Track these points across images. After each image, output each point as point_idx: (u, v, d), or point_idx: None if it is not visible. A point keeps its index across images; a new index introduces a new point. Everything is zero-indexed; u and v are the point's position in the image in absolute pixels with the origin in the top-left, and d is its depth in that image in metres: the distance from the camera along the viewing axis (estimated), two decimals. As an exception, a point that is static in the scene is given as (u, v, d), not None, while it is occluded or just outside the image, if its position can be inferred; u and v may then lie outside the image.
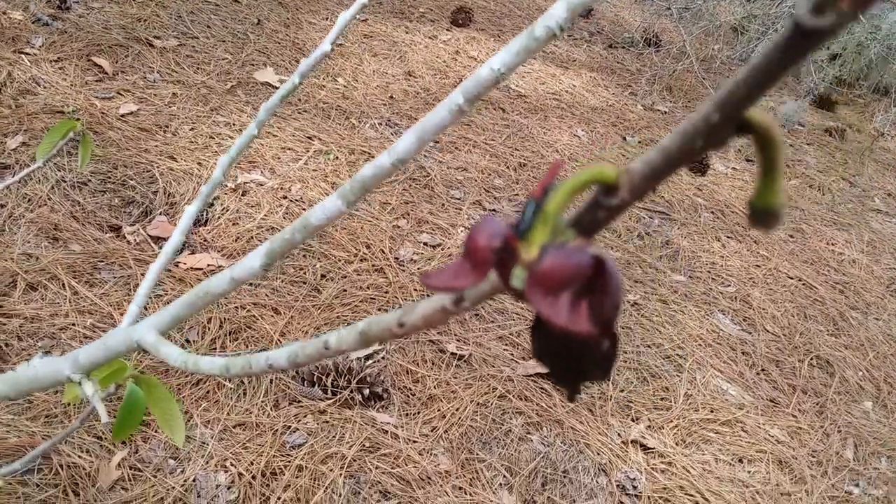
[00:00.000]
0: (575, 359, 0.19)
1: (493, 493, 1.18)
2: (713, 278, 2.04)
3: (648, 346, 1.69)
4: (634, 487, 1.33)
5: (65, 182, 1.58)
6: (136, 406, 0.59)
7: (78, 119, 0.87)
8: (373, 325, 0.27)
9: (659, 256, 2.05)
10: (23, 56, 1.96)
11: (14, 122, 1.71)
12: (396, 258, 1.68)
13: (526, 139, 2.43)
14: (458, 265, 0.19)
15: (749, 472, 1.47)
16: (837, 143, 3.28)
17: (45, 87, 1.87)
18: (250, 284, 1.44)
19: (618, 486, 1.30)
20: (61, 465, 0.98)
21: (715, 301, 1.94)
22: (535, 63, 3.08)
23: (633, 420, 1.48)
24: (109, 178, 1.64)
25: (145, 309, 1.32)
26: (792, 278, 2.14)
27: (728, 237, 2.27)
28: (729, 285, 2.03)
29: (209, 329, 1.30)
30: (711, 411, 1.58)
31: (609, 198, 0.19)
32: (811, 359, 1.82)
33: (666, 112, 3.03)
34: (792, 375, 1.75)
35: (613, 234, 2.07)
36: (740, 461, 1.49)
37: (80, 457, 1.00)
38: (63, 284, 1.30)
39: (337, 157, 1.98)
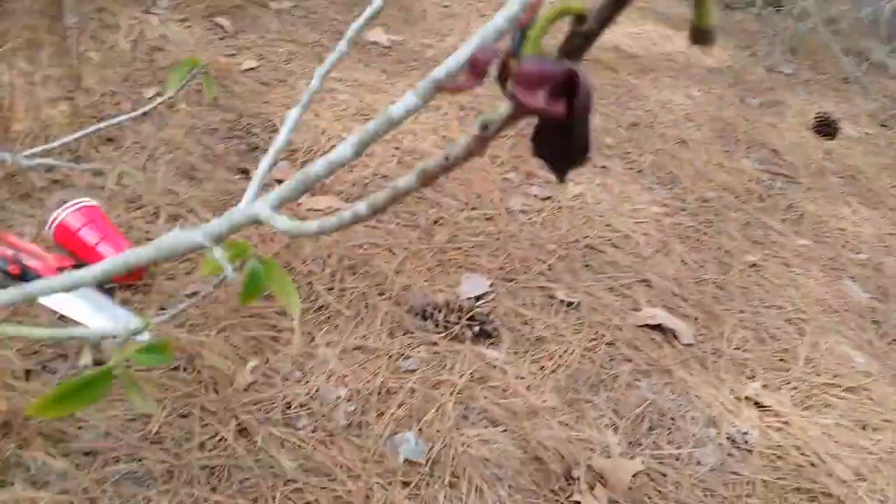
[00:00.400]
0: (561, 146, 0.26)
1: (599, 431, 1.17)
2: (843, 244, 1.91)
3: (768, 308, 1.62)
4: (746, 442, 1.28)
5: (197, 129, 1.68)
6: (258, 278, 0.64)
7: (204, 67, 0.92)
8: (428, 164, 0.32)
9: (782, 219, 1.95)
10: (151, 16, 2.09)
11: (148, 75, 1.84)
12: (507, 208, 1.68)
13: (638, 98, 2.36)
14: (464, 78, 0.25)
15: (873, 439, 1.38)
16: None
17: (174, 44, 2.00)
18: (366, 225, 1.49)
19: (728, 438, 1.26)
20: (203, 366, 1.06)
21: (843, 267, 1.82)
22: (647, 24, 2.98)
23: (748, 378, 1.42)
24: (236, 126, 1.73)
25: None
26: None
27: (860, 203, 2.12)
28: (860, 252, 1.90)
29: (328, 262, 1.36)
30: (835, 376, 1.50)
31: (580, 26, 0.24)
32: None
33: (790, 74, 2.86)
34: None
35: (732, 194, 1.98)
36: (863, 428, 1.40)
37: (220, 361, 1.08)
38: (198, 216, 1.39)
39: (446, 113, 2.00)
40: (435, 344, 1.24)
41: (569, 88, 0.23)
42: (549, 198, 1.77)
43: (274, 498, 0.91)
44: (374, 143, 0.48)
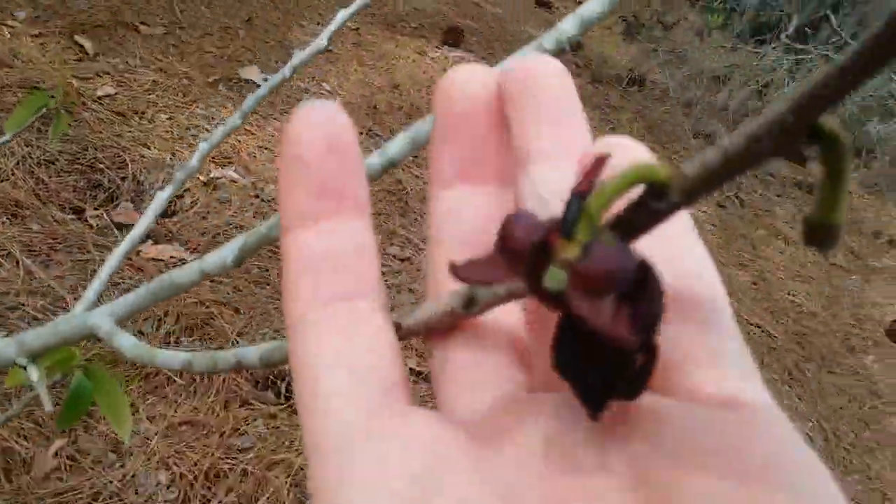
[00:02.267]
0: (603, 374, 0.17)
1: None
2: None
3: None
4: None
5: (31, 158, 1.53)
6: (82, 396, 0.57)
7: (52, 96, 0.84)
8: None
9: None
10: (4, 28, 1.91)
11: (-15, 93, 1.66)
12: (364, 268, 1.66)
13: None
14: (489, 258, 0.18)
15: None
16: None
17: (23, 62, 1.83)
18: (211, 281, 1.41)
19: None
20: (-7, 449, 0.94)
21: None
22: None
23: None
24: (78, 158, 1.60)
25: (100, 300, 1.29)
26: (753, 325, 2.17)
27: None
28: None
29: (165, 322, 1.27)
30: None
31: (657, 201, 0.16)
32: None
33: (644, 151, 3.07)
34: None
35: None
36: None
37: (16, 442, 0.96)
38: (17, 262, 1.25)
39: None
40: (274, 417, 1.18)
41: (634, 290, 0.17)
42: (408, 259, 1.77)
43: None
44: (256, 251, 0.42)
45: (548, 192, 0.21)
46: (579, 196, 0.17)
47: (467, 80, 0.22)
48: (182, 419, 1.10)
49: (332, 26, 0.47)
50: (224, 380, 1.21)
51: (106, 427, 1.03)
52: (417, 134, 0.31)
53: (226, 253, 0.41)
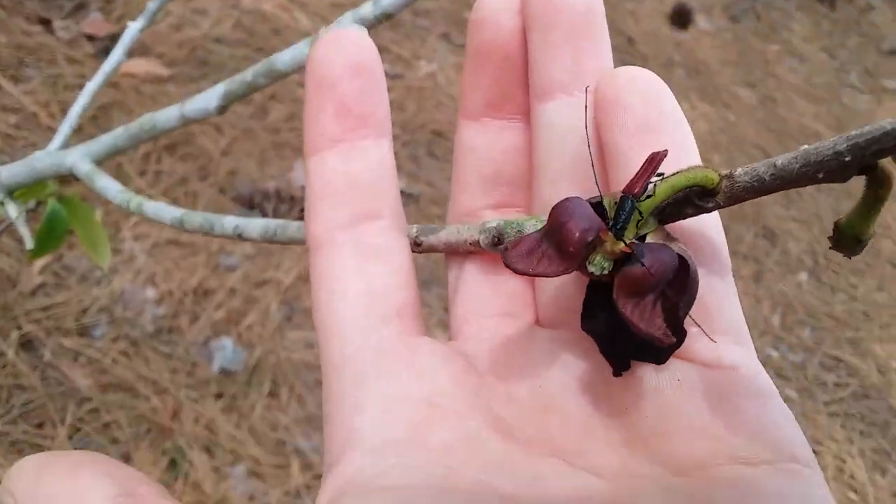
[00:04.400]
0: (632, 342, 0.19)
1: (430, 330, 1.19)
2: (677, 139, 1.99)
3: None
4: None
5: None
6: (57, 225, 0.55)
7: None
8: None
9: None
10: None
11: None
12: (352, 85, 1.57)
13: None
14: (540, 245, 0.18)
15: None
16: (826, 12, 3.14)
17: None
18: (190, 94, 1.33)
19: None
20: (-24, 267, 0.93)
21: (675, 162, 1.91)
22: None
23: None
24: None
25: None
26: (755, 147, 2.11)
27: (699, 98, 2.20)
28: (691, 148, 1.99)
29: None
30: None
31: (704, 200, 0.18)
32: (758, 228, 1.84)
33: None
34: (737, 243, 1.77)
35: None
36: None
37: (0, 259, 0.95)
38: (-22, 76, 1.17)
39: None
40: (262, 238, 1.17)
41: (674, 283, 0.17)
42: (399, 76, 1.67)
43: (63, 421, 0.84)
44: (243, 97, 0.40)
45: (562, 129, 0.21)
46: (632, 198, 0.18)
47: (498, 9, 0.22)
48: (167, 238, 1.09)
49: None
50: (209, 200, 1.18)
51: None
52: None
53: (209, 97, 0.38)
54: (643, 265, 0.17)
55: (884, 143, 0.15)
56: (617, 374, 0.19)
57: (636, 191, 0.18)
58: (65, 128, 0.50)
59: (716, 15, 2.68)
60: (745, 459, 0.16)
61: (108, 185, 0.41)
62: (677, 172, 0.18)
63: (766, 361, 1.53)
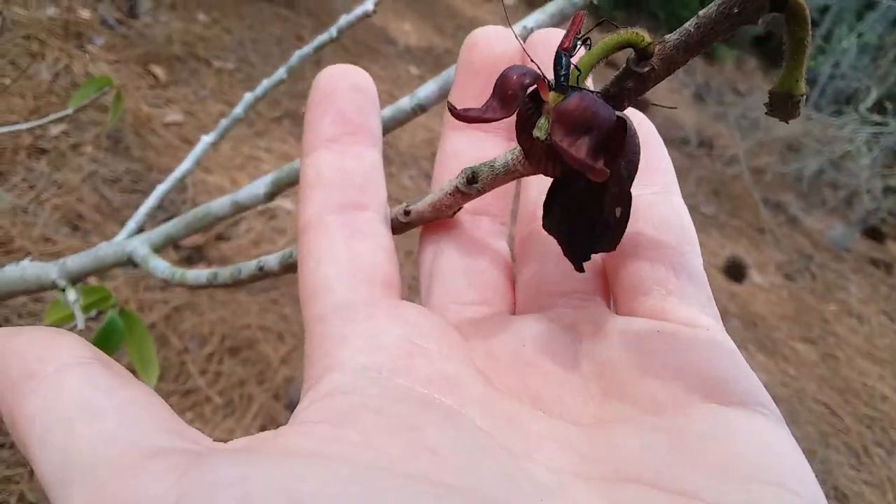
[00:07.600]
0: (587, 225, 0.20)
1: None
2: (735, 389, 1.94)
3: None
4: None
5: (97, 175, 1.58)
6: (113, 335, 0.56)
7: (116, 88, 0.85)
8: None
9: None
10: (83, 52, 2.01)
11: (61, 110, 1.74)
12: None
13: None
14: (486, 103, 0.19)
15: None
16: (883, 277, 3.17)
17: (102, 86, 1.92)
18: (259, 307, 1.40)
19: None
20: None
21: (733, 413, 1.83)
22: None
23: None
24: (142, 178, 1.65)
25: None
26: (817, 402, 2.02)
27: (757, 349, 2.17)
28: (750, 399, 1.92)
29: (209, 341, 1.26)
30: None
31: (640, 66, 0.18)
32: (828, 489, 1.69)
33: (709, 215, 2.98)
34: None
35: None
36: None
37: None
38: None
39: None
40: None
41: (612, 143, 0.18)
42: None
43: None
44: (290, 186, 0.43)
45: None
46: (564, 54, 0.18)
47: (490, 38, 0.24)
48: (217, 440, 1.07)
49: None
50: (262, 405, 1.18)
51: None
52: (446, 81, 0.31)
53: (259, 185, 0.42)
54: (574, 102, 0.18)
55: None
56: (579, 269, 0.20)
57: (566, 45, 0.19)
58: (131, 224, 0.54)
59: (770, 272, 2.73)
60: (717, 400, 0.17)
61: (158, 265, 0.45)
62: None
63: None
